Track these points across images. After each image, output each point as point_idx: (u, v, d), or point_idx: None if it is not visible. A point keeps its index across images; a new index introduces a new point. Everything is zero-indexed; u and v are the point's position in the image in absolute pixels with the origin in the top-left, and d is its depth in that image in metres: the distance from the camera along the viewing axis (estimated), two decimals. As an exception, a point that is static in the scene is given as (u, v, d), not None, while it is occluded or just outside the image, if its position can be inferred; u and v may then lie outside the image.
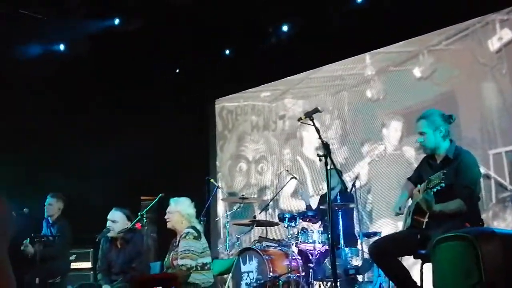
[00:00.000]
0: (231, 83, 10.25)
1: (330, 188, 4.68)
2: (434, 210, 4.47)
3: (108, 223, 6.09)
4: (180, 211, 5.79)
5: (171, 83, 10.00)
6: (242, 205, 7.88)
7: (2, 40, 8.04)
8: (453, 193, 4.53)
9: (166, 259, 5.87)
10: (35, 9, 8.29)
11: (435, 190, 4.39)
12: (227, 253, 7.81)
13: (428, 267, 4.58)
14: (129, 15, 8.56)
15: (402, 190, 5.13)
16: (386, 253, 4.65)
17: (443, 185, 4.33)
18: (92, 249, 8.19)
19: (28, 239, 6.82)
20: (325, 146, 4.62)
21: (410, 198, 4.93)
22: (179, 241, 5.70)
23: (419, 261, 4.80)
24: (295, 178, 7.81)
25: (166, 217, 5.87)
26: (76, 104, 8.98)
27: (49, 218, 7.41)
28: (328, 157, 4.60)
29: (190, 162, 10.11)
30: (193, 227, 5.71)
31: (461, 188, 4.55)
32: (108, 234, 6.07)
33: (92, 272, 8.11)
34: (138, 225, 5.82)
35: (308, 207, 7.61)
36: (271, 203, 7.98)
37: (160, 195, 5.93)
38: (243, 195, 8.02)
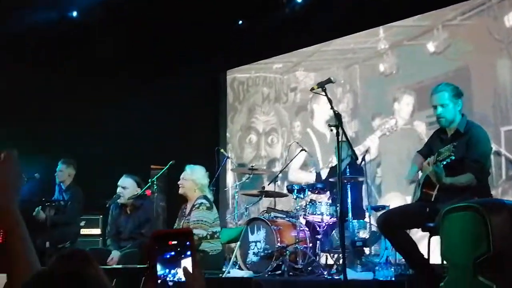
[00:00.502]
0: (243, 54, 10.22)
1: (340, 160, 4.69)
2: (444, 182, 4.47)
3: (119, 190, 6.14)
4: (195, 179, 5.83)
5: (183, 54, 9.96)
6: (251, 176, 7.90)
7: (14, 5, 8.03)
8: (463, 167, 4.54)
9: (175, 226, 5.92)
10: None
11: (444, 162, 4.40)
12: (235, 223, 7.86)
13: (435, 240, 4.61)
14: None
15: (412, 163, 5.13)
16: (394, 225, 4.67)
17: (453, 157, 4.34)
18: (101, 216, 8.26)
19: (40, 206, 6.88)
20: (337, 117, 4.61)
21: (420, 171, 4.93)
22: (191, 210, 5.74)
23: (427, 235, 4.82)
24: (305, 151, 7.81)
25: (179, 182, 5.91)
26: (88, 70, 8.98)
27: (61, 184, 7.46)
28: (340, 128, 4.58)
29: (201, 132, 10.13)
30: (205, 197, 5.75)
31: (472, 162, 4.55)
32: (118, 201, 6.12)
33: (101, 238, 8.19)
34: (148, 192, 5.85)
35: (318, 175, 7.62)
36: (280, 175, 8.00)
37: (171, 162, 5.96)
38: (252, 166, 8.04)
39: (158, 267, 1.68)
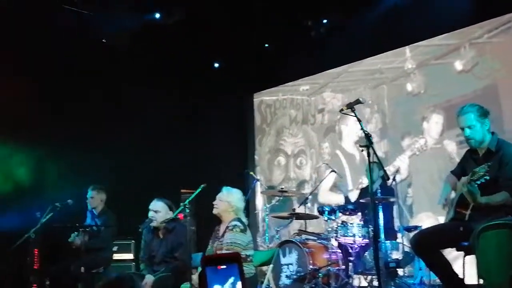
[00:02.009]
0: (270, 77, 10.29)
1: (372, 181, 4.68)
2: (479, 202, 4.44)
3: (151, 214, 6.17)
4: (231, 201, 5.83)
5: (211, 77, 10.06)
6: (281, 198, 7.93)
7: (47, 35, 8.21)
8: (497, 186, 4.51)
9: (209, 247, 5.92)
10: (78, 4, 8.44)
11: (479, 182, 4.38)
12: (267, 246, 7.86)
13: (470, 259, 4.57)
14: (169, 8, 8.64)
15: (445, 183, 5.10)
16: (429, 244, 4.64)
17: (488, 177, 4.32)
18: (133, 240, 8.31)
19: (76, 232, 6.95)
20: (367, 137, 4.61)
21: (453, 191, 4.90)
22: (224, 231, 5.75)
23: (461, 254, 4.78)
24: (335, 172, 7.81)
25: (214, 202, 5.91)
26: (119, 97, 9.11)
27: (93, 210, 7.53)
28: (370, 148, 4.58)
29: (229, 155, 10.18)
30: (240, 220, 5.75)
31: (506, 181, 4.52)
32: (151, 224, 6.15)
33: (133, 263, 8.23)
34: (181, 216, 5.86)
35: (346, 199, 7.60)
36: (310, 197, 7.99)
37: (202, 185, 5.96)
38: (282, 188, 8.04)
39: None
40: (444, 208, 4.93)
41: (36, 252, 7.18)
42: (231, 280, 1.63)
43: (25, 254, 7.18)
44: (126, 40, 8.93)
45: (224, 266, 1.64)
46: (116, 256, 7.94)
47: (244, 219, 5.87)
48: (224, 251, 5.53)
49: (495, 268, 3.83)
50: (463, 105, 4.91)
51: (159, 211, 6.16)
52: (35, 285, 7.13)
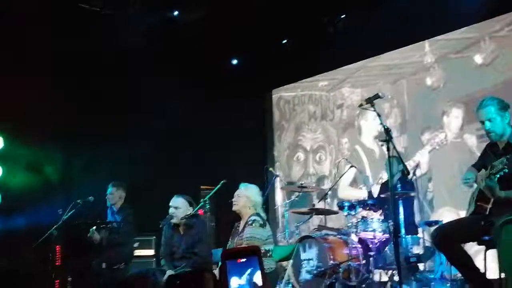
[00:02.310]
0: (288, 73, 10.29)
1: (392, 174, 4.67)
2: (498, 196, 4.42)
3: (171, 210, 6.21)
4: (249, 196, 5.87)
5: (230, 74, 10.08)
6: (300, 194, 7.90)
7: (63, 34, 8.28)
8: None
9: (229, 243, 5.96)
10: (94, 3, 8.50)
11: (498, 176, 4.35)
12: (286, 242, 7.86)
13: (491, 254, 4.54)
14: (188, 6, 8.67)
15: (467, 170, 5.02)
16: (450, 238, 4.62)
17: (506, 171, 4.30)
18: (154, 237, 8.37)
19: (95, 226, 7.02)
20: (387, 132, 4.60)
21: (474, 182, 4.86)
22: (244, 226, 5.78)
23: (482, 249, 4.75)
24: (354, 167, 7.79)
25: (233, 199, 5.96)
26: (139, 94, 9.16)
27: (113, 206, 7.59)
28: (390, 143, 4.57)
29: (248, 152, 10.19)
30: (259, 215, 5.78)
31: None
32: (171, 221, 6.19)
33: (154, 259, 8.29)
34: (201, 212, 5.93)
35: (370, 193, 7.58)
36: (329, 192, 7.98)
37: (222, 181, 6.01)
38: (301, 184, 8.04)
39: (231, 284, 1.74)
40: (467, 186, 4.84)
41: (58, 249, 7.27)
42: (248, 271, 1.64)
43: (48, 250, 7.27)
44: (145, 38, 8.97)
45: (244, 259, 1.65)
46: (137, 252, 8.01)
47: (263, 214, 5.90)
48: (244, 246, 5.56)
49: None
50: (483, 99, 4.87)
51: (179, 207, 6.20)
52: (57, 281, 7.22)
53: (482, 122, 4.78)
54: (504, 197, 4.44)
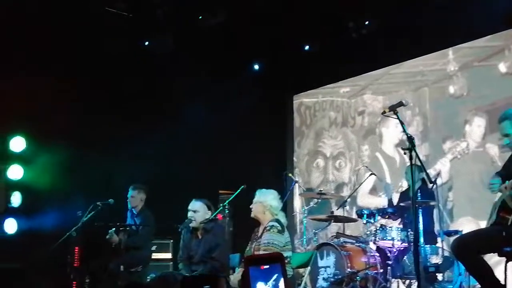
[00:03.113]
0: (310, 79, 10.27)
1: (414, 182, 4.63)
2: None
3: (190, 214, 6.21)
4: (263, 202, 5.87)
5: (251, 79, 10.08)
6: (319, 200, 7.87)
7: (90, 38, 8.35)
8: None
9: (247, 249, 5.95)
10: (121, 6, 8.56)
11: None
12: (304, 248, 7.83)
13: (512, 266, 4.48)
14: (212, 10, 8.69)
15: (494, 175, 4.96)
16: (470, 249, 4.56)
17: (531, 182, 4.23)
18: (172, 240, 8.39)
19: (113, 228, 7.04)
20: (410, 140, 4.55)
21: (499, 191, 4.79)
22: (262, 232, 5.77)
23: (503, 260, 4.68)
24: (374, 175, 7.74)
25: (251, 206, 5.96)
26: (160, 97, 9.21)
27: (133, 209, 7.61)
28: (413, 151, 4.52)
29: (268, 157, 10.17)
30: (278, 220, 5.77)
31: None
32: (190, 225, 6.19)
33: (171, 262, 8.30)
34: (220, 216, 5.92)
35: (389, 202, 7.54)
36: (348, 199, 7.94)
37: (242, 187, 6.00)
38: (321, 190, 8.01)
39: None
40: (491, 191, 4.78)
41: (77, 250, 7.32)
42: (274, 277, 1.63)
43: (67, 252, 7.31)
44: (169, 43, 9.02)
45: (267, 266, 1.64)
46: (155, 256, 8.01)
47: (283, 219, 5.88)
48: (261, 252, 5.55)
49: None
50: (501, 113, 4.80)
51: (198, 211, 6.21)
52: (75, 282, 7.26)
53: (503, 136, 4.74)
54: None
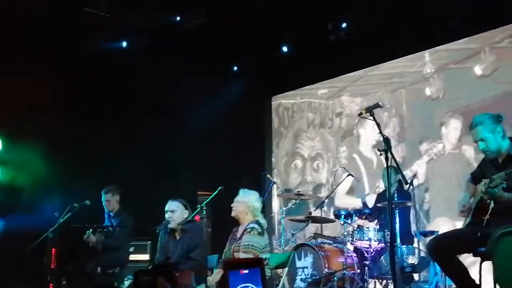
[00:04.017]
0: (288, 80, 10.30)
1: (390, 184, 4.66)
2: (500, 196, 4.37)
3: (167, 214, 6.17)
4: (247, 202, 5.87)
5: (230, 80, 10.09)
6: (297, 201, 7.88)
7: (68, 37, 8.29)
8: None
9: (226, 249, 5.94)
10: (100, 7, 8.51)
11: (497, 190, 4.34)
12: (282, 249, 7.84)
13: (487, 265, 4.53)
14: (190, 11, 8.69)
15: (465, 191, 5.03)
16: (445, 249, 4.61)
17: (504, 185, 4.29)
18: (149, 242, 8.35)
19: (91, 229, 7.00)
20: (386, 141, 4.57)
21: (472, 198, 4.86)
22: (242, 234, 5.77)
23: (477, 260, 4.73)
24: (351, 175, 7.78)
25: (232, 205, 5.96)
26: (137, 98, 9.16)
27: (110, 212, 7.57)
28: (389, 152, 4.55)
29: (246, 158, 10.18)
30: (258, 222, 5.78)
31: None
32: (169, 225, 6.16)
33: (149, 264, 8.26)
34: (197, 218, 5.90)
35: (364, 204, 7.59)
36: (326, 200, 7.97)
37: (220, 188, 5.99)
38: (299, 191, 8.04)
39: None
40: (461, 215, 4.88)
41: (54, 252, 7.25)
42: (253, 282, 1.63)
43: (43, 253, 7.25)
44: (147, 42, 8.99)
45: (247, 271, 1.64)
46: (132, 257, 7.98)
47: (263, 221, 5.89)
48: (241, 253, 5.55)
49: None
50: (473, 118, 4.83)
51: (175, 210, 6.18)
52: (51, 284, 7.19)
53: (476, 142, 4.77)
54: (506, 198, 4.39)
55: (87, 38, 8.42)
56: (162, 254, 6.27)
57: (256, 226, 5.75)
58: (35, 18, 8.03)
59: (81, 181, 8.18)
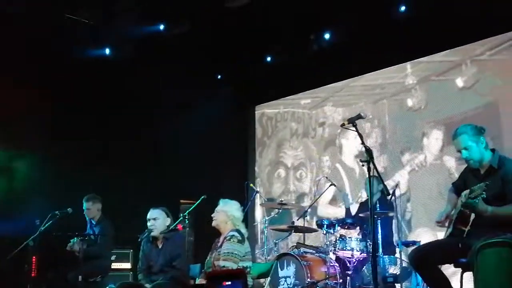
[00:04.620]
0: (271, 90, 10.33)
1: (372, 194, 4.69)
2: (481, 210, 4.41)
3: (150, 223, 6.15)
4: (227, 211, 5.88)
5: (213, 89, 10.09)
6: (280, 211, 7.90)
7: (50, 44, 8.25)
8: (504, 202, 4.51)
9: (208, 258, 5.94)
10: (82, 14, 8.49)
11: (477, 200, 4.39)
12: (265, 258, 7.85)
13: (467, 276, 4.57)
14: (174, 20, 8.69)
15: (447, 202, 5.08)
16: (427, 260, 4.64)
17: (484, 196, 4.33)
18: (131, 250, 8.32)
19: (75, 238, 6.95)
20: (368, 152, 4.62)
21: (453, 209, 4.91)
22: (222, 242, 5.77)
23: (458, 271, 4.77)
24: (334, 185, 7.81)
25: (212, 215, 5.96)
26: (119, 107, 9.14)
27: (91, 220, 7.54)
28: (371, 163, 4.59)
29: (230, 167, 10.19)
30: (238, 230, 5.78)
31: None
32: (151, 234, 6.14)
33: (131, 272, 8.23)
34: (180, 226, 5.88)
35: (347, 211, 7.62)
36: (309, 210, 8.00)
37: (203, 197, 5.98)
38: (281, 200, 8.05)
39: None
40: (437, 225, 4.93)
41: (34, 260, 7.18)
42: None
43: (24, 261, 7.18)
44: (130, 51, 8.97)
45: (229, 283, 1.65)
46: (114, 265, 7.94)
47: (244, 230, 5.89)
48: (221, 261, 5.55)
49: (495, 286, 3.83)
50: (456, 128, 4.89)
51: (157, 218, 6.17)
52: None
53: (459, 151, 4.82)
54: (491, 213, 4.42)
55: (69, 45, 8.38)
56: (144, 263, 6.25)
57: (236, 234, 5.75)
58: (17, 23, 7.98)
59: (62, 189, 8.14)
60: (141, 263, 6.32)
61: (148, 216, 6.23)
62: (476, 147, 4.74)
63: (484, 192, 4.32)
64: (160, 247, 6.18)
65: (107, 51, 9.14)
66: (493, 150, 4.82)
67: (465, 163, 4.93)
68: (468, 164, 4.89)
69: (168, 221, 6.21)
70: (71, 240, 6.96)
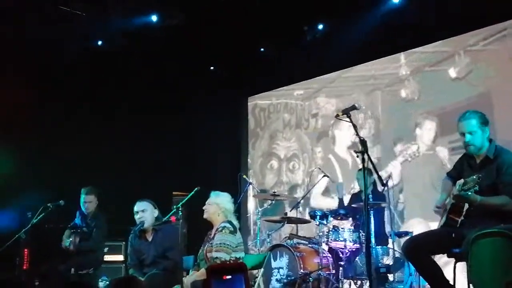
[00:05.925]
0: (264, 81, 10.30)
1: (366, 185, 4.67)
2: (472, 200, 4.42)
3: (139, 215, 6.08)
4: (219, 203, 5.85)
5: (206, 80, 10.06)
6: (273, 202, 7.88)
7: (43, 36, 8.20)
8: (496, 193, 4.51)
9: (200, 251, 5.91)
10: (75, 5, 8.43)
11: (469, 193, 4.38)
12: (258, 250, 7.84)
13: (460, 266, 4.57)
14: (167, 12, 8.64)
15: (442, 191, 5.07)
16: (420, 250, 4.64)
17: (477, 188, 4.33)
18: (124, 242, 8.28)
19: (69, 233, 6.91)
20: (363, 143, 4.59)
21: (448, 198, 4.90)
22: (214, 234, 5.75)
23: (452, 261, 4.78)
24: (327, 176, 7.80)
25: (204, 207, 5.93)
26: (112, 101, 9.10)
27: (86, 212, 7.49)
28: (366, 154, 4.57)
29: (222, 158, 10.19)
30: (230, 222, 5.76)
31: (506, 186, 4.51)
32: (144, 226, 6.09)
33: (123, 264, 8.20)
34: (173, 218, 5.84)
35: (341, 201, 7.62)
36: (302, 201, 7.99)
37: (196, 188, 5.94)
38: (274, 192, 8.04)
39: None
40: (436, 211, 4.92)
41: (26, 253, 7.15)
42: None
43: (15, 254, 7.15)
44: (123, 42, 8.92)
45: (229, 276, 1.63)
46: (107, 258, 7.92)
47: (235, 222, 5.87)
48: (213, 253, 5.53)
49: (489, 276, 3.84)
50: (466, 111, 4.88)
51: (146, 209, 6.12)
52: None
53: (463, 134, 4.79)
54: (479, 202, 4.43)
55: (62, 36, 8.32)
56: (134, 258, 6.18)
57: (227, 225, 5.74)
58: (7, 16, 7.93)
59: (54, 181, 8.11)
60: (130, 259, 6.25)
61: (136, 208, 6.17)
62: (480, 135, 4.73)
63: (476, 185, 4.32)
64: (150, 239, 6.13)
65: (99, 42, 9.08)
66: (490, 140, 4.81)
67: (464, 148, 4.89)
68: (466, 150, 4.86)
69: (156, 212, 6.17)
70: (66, 239, 6.92)
